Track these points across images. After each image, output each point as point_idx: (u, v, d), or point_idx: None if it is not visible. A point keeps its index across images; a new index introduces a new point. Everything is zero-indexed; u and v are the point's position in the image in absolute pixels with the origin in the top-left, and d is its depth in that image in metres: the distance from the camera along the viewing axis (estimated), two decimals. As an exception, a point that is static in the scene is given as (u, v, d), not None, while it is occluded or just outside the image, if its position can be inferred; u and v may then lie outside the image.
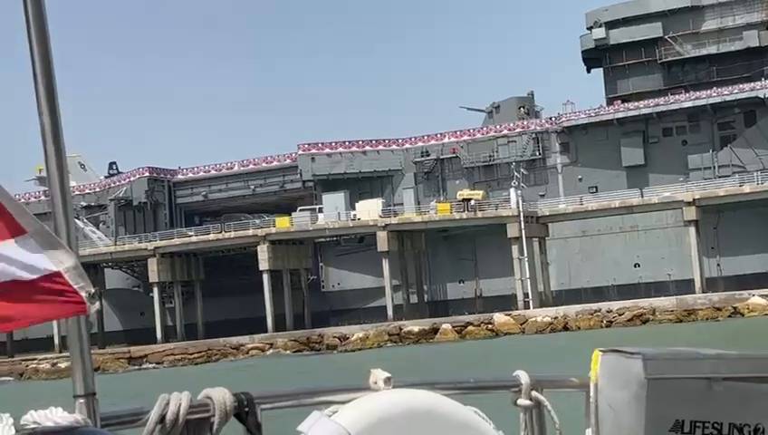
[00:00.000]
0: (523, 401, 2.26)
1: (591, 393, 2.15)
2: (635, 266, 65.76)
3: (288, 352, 49.98)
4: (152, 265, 64.61)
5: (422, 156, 71.09)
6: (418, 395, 2.08)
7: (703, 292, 56.02)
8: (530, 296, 60.06)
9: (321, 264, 71.82)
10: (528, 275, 60.60)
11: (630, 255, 65.77)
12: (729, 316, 46.14)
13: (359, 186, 70.46)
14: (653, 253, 64.91)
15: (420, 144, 71.51)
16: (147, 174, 73.34)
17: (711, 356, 1.97)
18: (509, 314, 50.82)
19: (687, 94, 65.50)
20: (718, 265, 63.15)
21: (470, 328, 49.62)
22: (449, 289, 69.69)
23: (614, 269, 65.69)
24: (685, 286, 58.77)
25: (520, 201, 61.08)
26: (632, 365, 1.99)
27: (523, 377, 2.26)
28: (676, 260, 62.52)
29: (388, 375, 2.13)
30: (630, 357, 2.01)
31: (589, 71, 73.22)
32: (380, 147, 71.86)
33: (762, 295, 46.20)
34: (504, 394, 2.27)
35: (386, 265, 62.57)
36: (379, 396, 2.08)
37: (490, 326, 49.48)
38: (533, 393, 2.25)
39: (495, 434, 2.12)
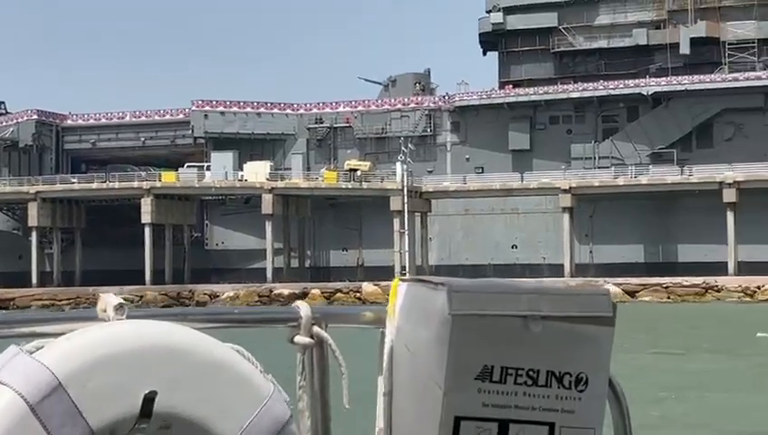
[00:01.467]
0: (300, 338, 1.89)
1: (387, 331, 1.77)
2: (512, 248, 67.60)
3: (156, 307, 50.33)
4: (32, 210, 63.98)
5: (316, 123, 71.69)
6: (157, 327, 1.69)
7: (572, 276, 58.14)
8: (407, 269, 61.43)
9: (206, 221, 72.05)
10: (407, 249, 61.95)
11: (509, 236, 67.57)
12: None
13: (251, 147, 70.74)
14: (530, 236, 66.82)
15: (315, 111, 72.10)
16: (35, 117, 72.27)
17: (529, 290, 1.64)
18: (377, 285, 52.06)
19: (576, 85, 67.38)
20: (590, 251, 65.36)
21: (339, 295, 50.82)
22: (332, 256, 70.67)
23: (493, 249, 67.41)
24: (557, 270, 60.85)
25: (405, 175, 62.23)
26: (435, 298, 1.62)
27: (303, 309, 1.91)
28: (552, 244, 64.50)
29: (121, 301, 1.73)
30: (434, 288, 1.64)
31: (485, 53, 74.65)
32: (275, 110, 72.21)
33: (615, 284, 48.30)
34: (283, 331, 1.91)
35: (269, 227, 63.19)
36: (102, 328, 1.67)
37: (358, 295, 50.71)
38: (315, 329, 1.90)
39: (260, 378, 1.76)
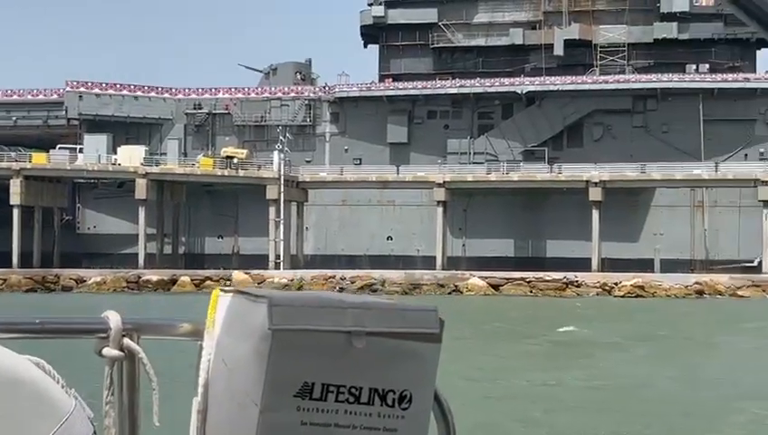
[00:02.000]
0: (109, 351, 1.75)
1: (205, 344, 1.68)
2: (388, 239, 68.45)
3: (21, 290, 49.32)
4: None
5: (194, 108, 71.09)
6: None
7: (444, 269, 59.27)
8: (281, 258, 61.67)
9: (78, 205, 70.67)
10: (283, 238, 62.17)
11: (385, 227, 68.38)
12: (449, 293, 49.16)
13: (126, 130, 69.68)
14: (405, 228, 67.77)
15: (194, 96, 71.47)
16: None
17: (355, 305, 1.59)
18: (248, 273, 52.13)
19: (453, 81, 68.56)
20: (463, 245, 66.70)
21: (208, 282, 50.65)
22: (207, 243, 70.26)
23: (368, 240, 68.12)
24: (431, 262, 61.91)
25: (282, 164, 62.39)
26: (255, 311, 1.56)
27: (113, 320, 1.76)
28: (426, 237, 65.52)
29: None
30: (255, 301, 1.58)
31: (366, 46, 75.22)
32: (152, 94, 71.26)
33: (480, 277, 49.53)
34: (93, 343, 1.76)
35: (142, 213, 62.49)
36: None
37: (228, 283, 50.63)
38: (125, 341, 1.76)
39: (60, 392, 1.61)
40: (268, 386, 1.53)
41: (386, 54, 73.27)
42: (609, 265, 59.51)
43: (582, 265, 58.67)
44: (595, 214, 60.11)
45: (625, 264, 59.73)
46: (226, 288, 1.65)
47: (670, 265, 60.76)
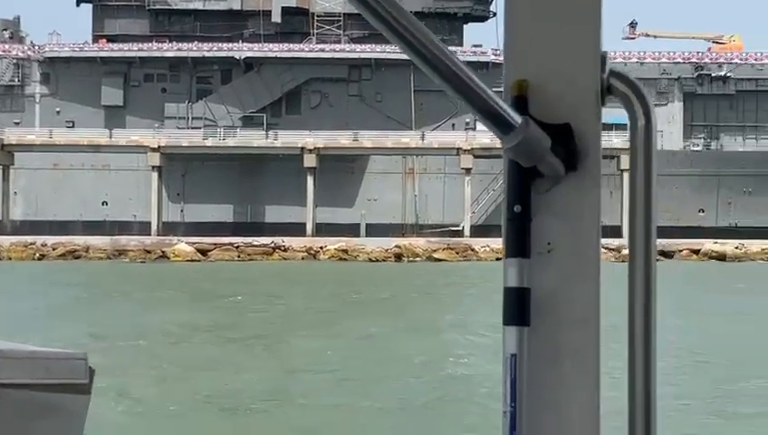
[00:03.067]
0: None
1: None
2: (103, 204, 66.67)
3: None
4: None
5: None
6: None
7: (159, 235, 58.56)
8: (-15, 224, 58.66)
9: None
10: (-14, 203, 59.11)
11: (100, 193, 66.54)
12: (156, 259, 48.68)
13: None
14: (122, 193, 66.23)
15: None
16: None
17: None
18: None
19: (171, 44, 67.48)
20: (182, 210, 66.11)
21: None
22: None
23: (82, 205, 66.02)
24: (148, 228, 60.93)
25: (-15, 126, 59.22)
26: None
27: None
28: (143, 202, 64.33)
29: None
30: None
31: (78, 4, 72.38)
32: None
33: (188, 243, 49.47)
34: None
35: None
36: None
37: None
38: None
39: None
40: None
41: (99, 14, 70.86)
42: (325, 229, 60.97)
43: (300, 229, 59.80)
44: (310, 180, 61.38)
45: (340, 228, 61.38)
46: None
47: (383, 230, 62.98)
